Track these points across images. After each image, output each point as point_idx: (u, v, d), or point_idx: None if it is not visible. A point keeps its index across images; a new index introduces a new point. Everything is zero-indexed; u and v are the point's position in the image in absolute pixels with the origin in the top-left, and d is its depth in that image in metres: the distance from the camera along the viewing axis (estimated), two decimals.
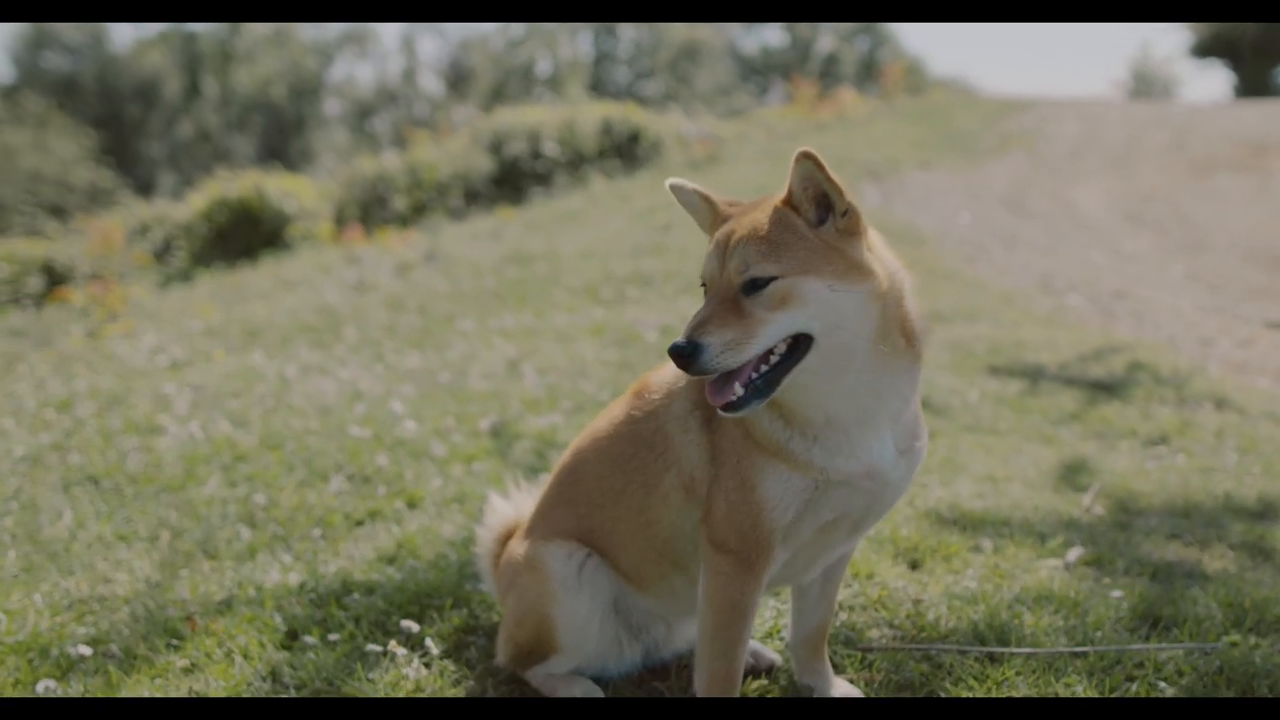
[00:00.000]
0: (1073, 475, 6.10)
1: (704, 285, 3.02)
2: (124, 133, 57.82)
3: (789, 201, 3.03)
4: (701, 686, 3.34)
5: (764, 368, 2.92)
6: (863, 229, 3.05)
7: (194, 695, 3.85)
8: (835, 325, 2.94)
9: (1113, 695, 3.64)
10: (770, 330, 2.89)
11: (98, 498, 6.13)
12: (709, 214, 3.19)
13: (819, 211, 3.01)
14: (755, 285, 2.91)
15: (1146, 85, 66.94)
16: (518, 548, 3.77)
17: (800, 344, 2.93)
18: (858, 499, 3.18)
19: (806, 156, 2.93)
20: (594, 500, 3.62)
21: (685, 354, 2.84)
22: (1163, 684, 3.70)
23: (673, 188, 3.20)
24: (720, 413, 2.94)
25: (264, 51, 64.33)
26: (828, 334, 2.94)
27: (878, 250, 3.08)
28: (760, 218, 3.02)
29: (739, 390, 2.90)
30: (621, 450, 3.52)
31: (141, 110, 60.95)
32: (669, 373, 3.48)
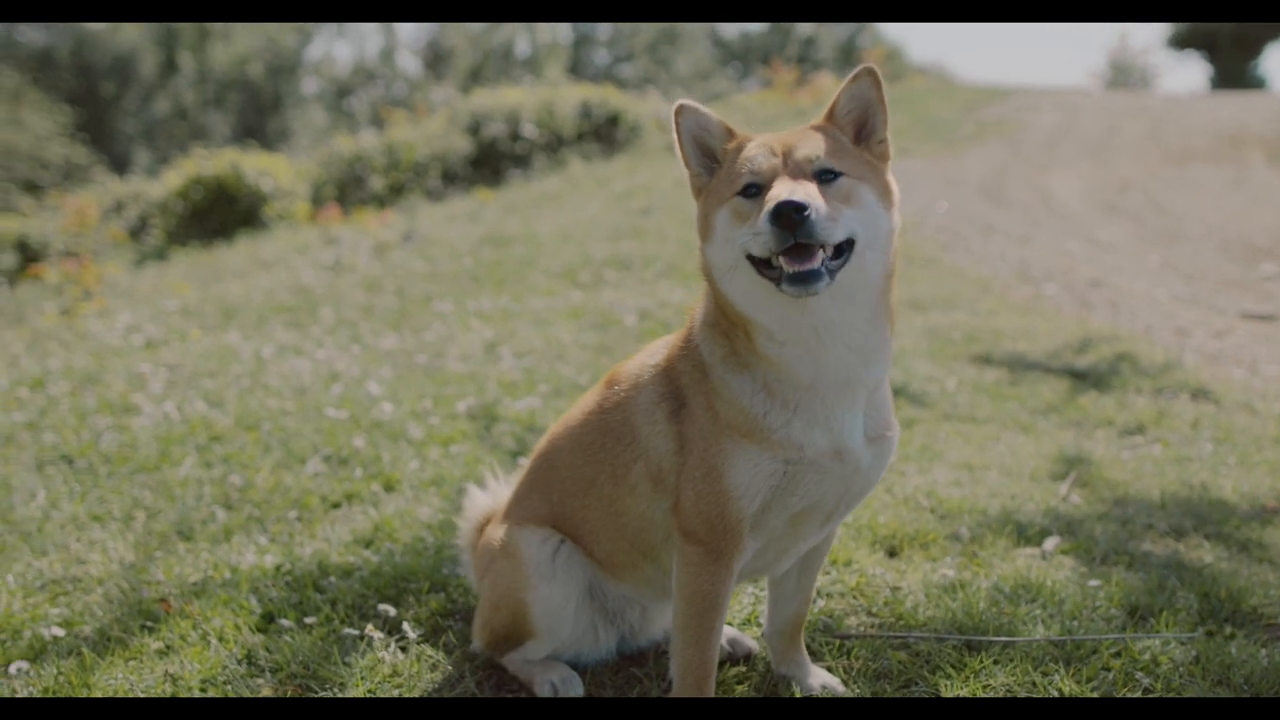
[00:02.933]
0: (1050, 464, 6.12)
1: (750, 187, 2.99)
2: (99, 109, 57.33)
3: (831, 119, 3.13)
4: (676, 674, 3.34)
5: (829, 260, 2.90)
6: (889, 159, 3.17)
7: (169, 677, 3.82)
8: (874, 239, 3.00)
9: (1090, 685, 3.65)
10: (843, 220, 2.91)
11: (71, 477, 6.07)
12: (723, 139, 3.16)
13: (856, 133, 3.12)
14: (825, 176, 2.96)
15: (1124, 76, 67.04)
16: (494, 533, 3.77)
17: (843, 251, 2.94)
18: (828, 485, 3.18)
19: (870, 73, 3.08)
20: (567, 489, 3.62)
21: (799, 213, 2.79)
22: (1139, 674, 3.71)
23: (683, 108, 3.15)
24: (795, 288, 2.85)
25: (241, 29, 63.79)
26: (868, 245, 2.98)
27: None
28: (807, 129, 3.11)
29: (821, 260, 2.86)
30: (592, 440, 3.52)
31: (117, 86, 60.44)
32: (637, 364, 3.50)
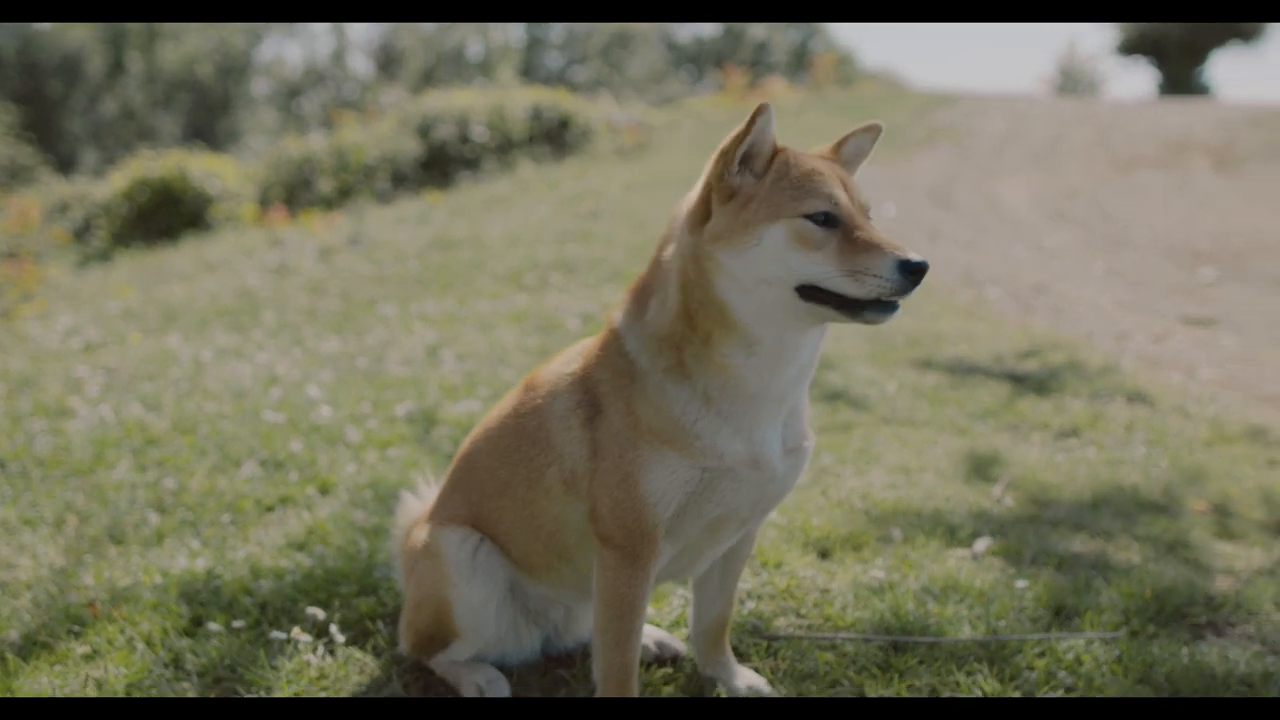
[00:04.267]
0: (985, 467, 6.17)
1: (823, 215, 2.99)
2: (46, 109, 56.72)
3: (837, 155, 3.27)
4: (599, 676, 3.36)
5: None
6: None
7: (94, 682, 3.79)
8: None
9: (1012, 684, 3.68)
10: None
11: (3, 481, 6.01)
12: (771, 150, 3.11)
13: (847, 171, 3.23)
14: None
15: (1073, 82, 67.61)
16: (418, 534, 3.78)
17: None
18: (743, 493, 3.21)
19: (877, 130, 3.29)
20: (485, 490, 3.63)
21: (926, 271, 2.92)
22: (1062, 673, 3.76)
23: (766, 108, 3.06)
24: (880, 314, 2.96)
25: (190, 29, 63.27)
26: None
27: None
28: (835, 164, 3.21)
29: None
30: (509, 444, 3.54)
31: (64, 86, 59.80)
32: (554, 371, 3.50)
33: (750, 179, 3.07)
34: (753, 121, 3.02)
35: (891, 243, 2.94)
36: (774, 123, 3.06)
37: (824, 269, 2.93)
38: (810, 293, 2.96)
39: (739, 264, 3.00)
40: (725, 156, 3.07)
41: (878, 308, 2.93)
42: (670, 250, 3.20)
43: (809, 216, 2.97)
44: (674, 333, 3.15)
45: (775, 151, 3.10)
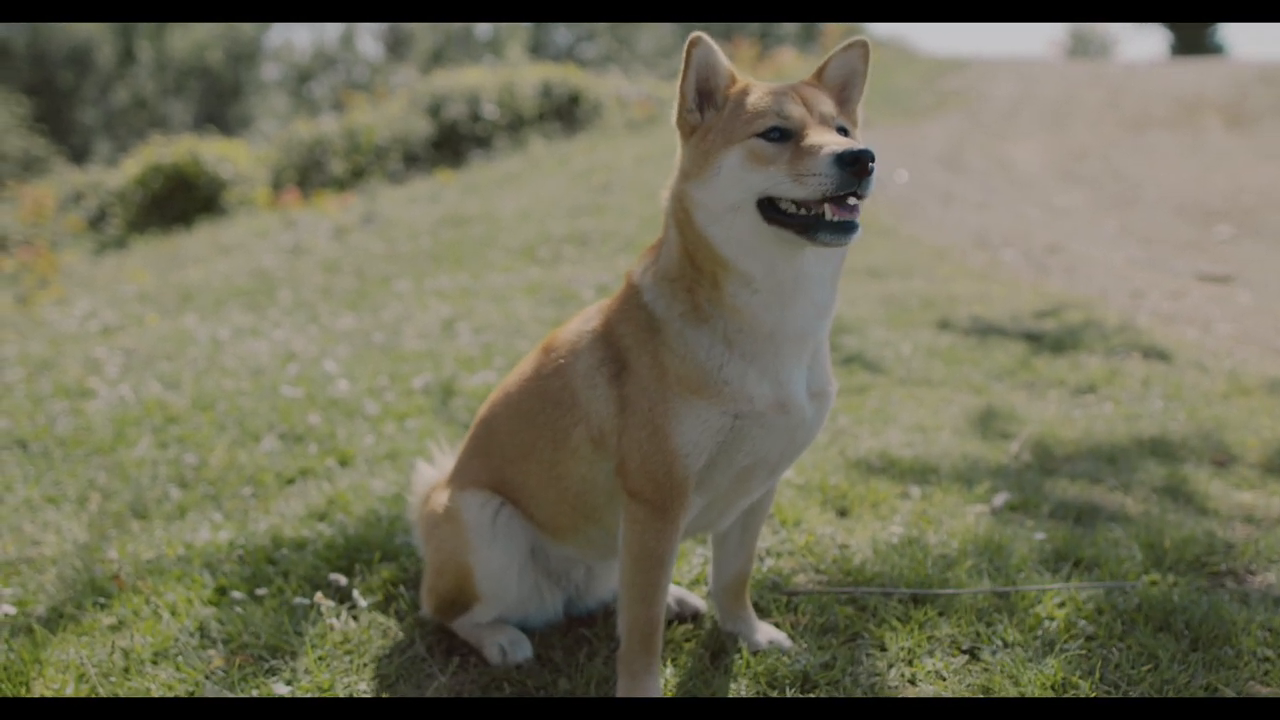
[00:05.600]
0: (1001, 424, 6.17)
1: (774, 130, 3.00)
2: (57, 100, 56.80)
3: (820, 81, 3.25)
4: (624, 631, 3.36)
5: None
6: (858, 127, 3.27)
7: (121, 651, 3.82)
8: None
9: (1033, 634, 3.70)
10: None
11: (26, 461, 6.06)
12: (727, 82, 3.16)
13: (836, 98, 3.21)
14: (841, 134, 3.07)
15: (1084, 45, 67.27)
16: (438, 499, 3.79)
17: None
18: (772, 439, 3.21)
19: (862, 46, 3.26)
20: (507, 454, 3.64)
21: (872, 161, 2.85)
22: (1082, 621, 3.76)
23: (699, 39, 3.12)
24: (835, 236, 2.90)
25: None
26: None
27: None
28: (808, 85, 3.20)
29: (860, 230, 2.96)
30: (531, 406, 3.54)
31: (75, 76, 59.85)
32: (573, 330, 3.51)
33: (712, 114, 3.14)
34: (688, 55, 3.11)
35: (835, 140, 2.92)
36: (716, 54, 3.13)
37: (774, 178, 2.95)
38: (772, 214, 2.98)
39: (707, 194, 3.06)
40: (680, 95, 3.15)
41: (831, 229, 2.90)
42: (665, 194, 3.24)
43: (761, 135, 3.01)
44: (683, 274, 3.18)
45: (733, 83, 3.15)
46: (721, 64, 3.15)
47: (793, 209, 2.95)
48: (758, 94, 3.10)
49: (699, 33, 3.13)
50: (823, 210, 2.90)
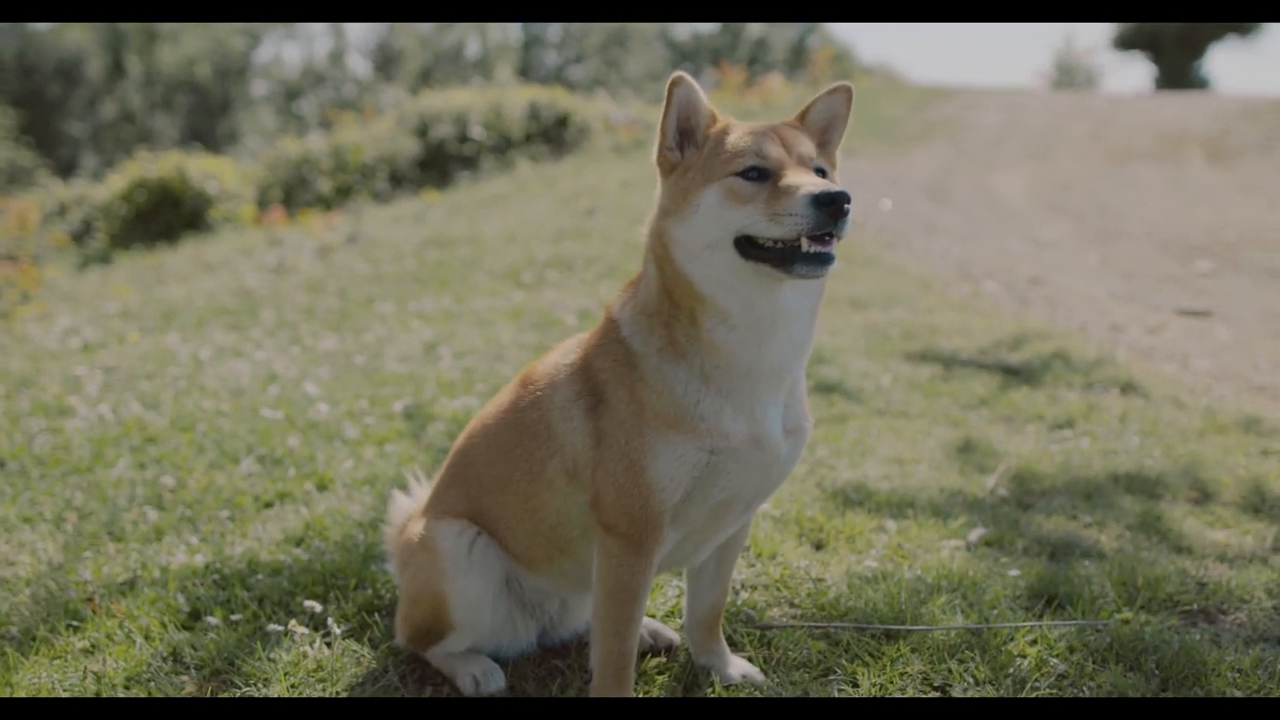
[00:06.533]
0: (979, 458, 6.19)
1: (753, 170, 3.05)
2: (45, 112, 56.74)
3: (802, 122, 3.29)
4: (597, 664, 3.37)
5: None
6: (836, 169, 3.30)
7: (93, 675, 3.82)
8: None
9: (1004, 672, 3.71)
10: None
11: (2, 480, 6.03)
12: (707, 121, 3.21)
13: (817, 140, 3.25)
14: (819, 174, 3.10)
15: (1069, 76, 67.68)
16: (414, 528, 3.81)
17: None
18: (748, 475, 3.24)
19: (846, 91, 3.31)
20: (484, 485, 3.66)
21: (848, 203, 2.90)
22: (1054, 660, 3.78)
23: (681, 79, 3.17)
24: (811, 268, 2.94)
25: (189, 31, 63.21)
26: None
27: None
28: (788, 126, 3.24)
29: (835, 263, 2.99)
30: (508, 438, 3.57)
31: (63, 89, 59.81)
32: (551, 363, 3.54)
33: (692, 152, 3.19)
34: (670, 94, 3.16)
35: (812, 182, 2.96)
36: (697, 93, 3.18)
37: (752, 217, 2.99)
38: (749, 250, 3.01)
39: (685, 231, 3.11)
40: (661, 133, 3.20)
41: (807, 261, 2.94)
42: (644, 230, 3.28)
43: (740, 174, 3.05)
44: (660, 310, 3.21)
45: (713, 123, 3.20)
46: (702, 104, 3.19)
47: (770, 244, 2.98)
48: (737, 134, 3.14)
49: (681, 73, 3.18)
50: (799, 243, 2.93)
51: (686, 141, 3.20)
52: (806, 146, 3.15)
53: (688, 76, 3.18)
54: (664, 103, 3.19)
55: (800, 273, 2.95)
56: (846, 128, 3.32)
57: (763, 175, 3.04)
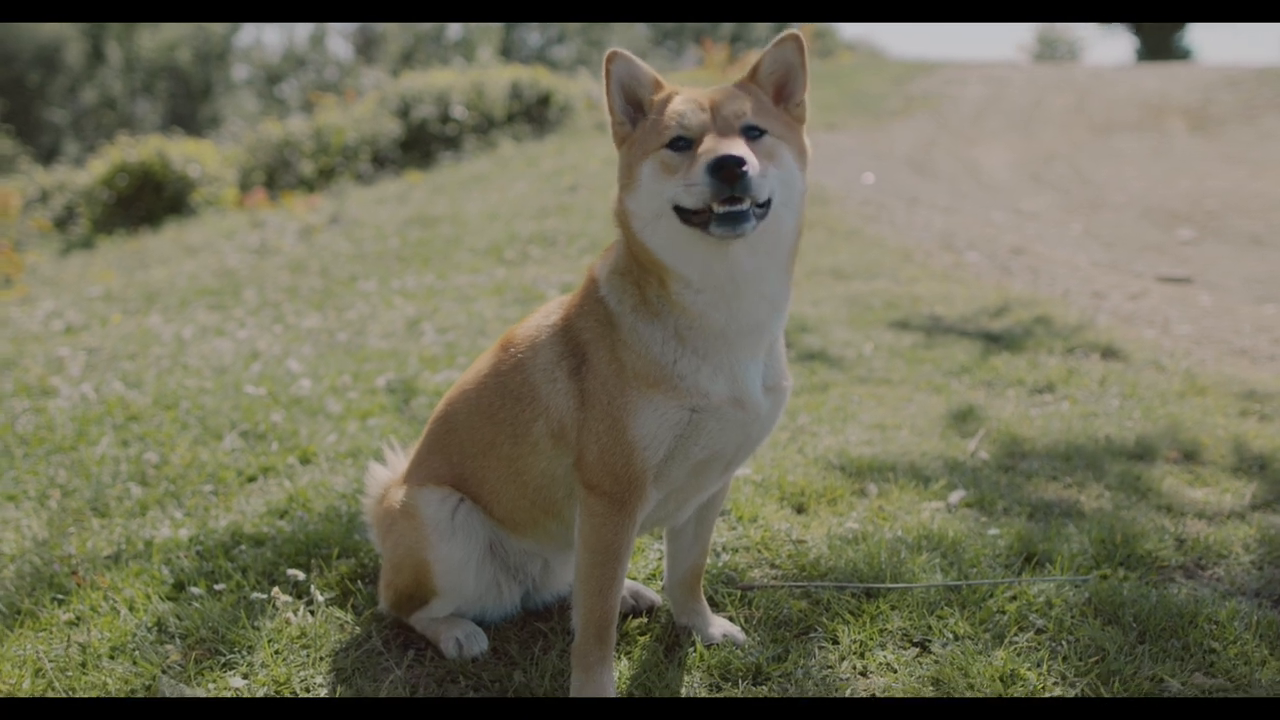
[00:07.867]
0: (960, 422, 6.23)
1: (679, 140, 3.07)
2: (25, 99, 56.45)
3: (754, 79, 3.24)
4: (579, 624, 3.38)
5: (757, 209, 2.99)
6: (805, 121, 3.27)
7: (79, 646, 3.83)
8: (789, 197, 3.11)
9: (983, 627, 3.74)
10: (769, 177, 3.01)
11: None
12: (651, 90, 3.23)
13: (777, 94, 3.23)
14: (751, 133, 3.06)
15: (1052, 49, 67.65)
16: (395, 495, 3.81)
17: (763, 206, 3.02)
18: (728, 434, 3.26)
19: (794, 39, 3.22)
20: (466, 450, 3.67)
21: (739, 166, 2.88)
22: (1033, 615, 3.81)
23: (616, 55, 3.21)
24: (724, 228, 2.93)
25: None
26: (784, 203, 3.09)
27: None
28: (731, 87, 3.21)
29: (753, 221, 2.96)
30: (490, 402, 3.58)
31: (43, 76, 59.47)
32: (532, 326, 3.55)
33: (631, 126, 3.24)
34: (608, 72, 3.20)
35: (713, 148, 2.96)
36: (635, 64, 3.21)
37: (676, 188, 3.01)
38: (687, 217, 3.03)
39: (635, 203, 3.15)
40: (610, 110, 3.24)
41: (719, 221, 2.94)
42: (611, 202, 3.31)
43: (669, 145, 3.07)
44: (630, 268, 3.24)
45: (658, 90, 3.23)
46: (643, 74, 3.22)
47: (695, 210, 3.00)
48: (673, 103, 3.16)
49: (616, 49, 3.22)
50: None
51: (638, 113, 3.23)
52: (737, 105, 3.12)
53: (623, 51, 3.21)
54: (604, 81, 3.22)
55: (717, 233, 2.96)
56: (806, 75, 3.27)
57: (688, 144, 3.06)
